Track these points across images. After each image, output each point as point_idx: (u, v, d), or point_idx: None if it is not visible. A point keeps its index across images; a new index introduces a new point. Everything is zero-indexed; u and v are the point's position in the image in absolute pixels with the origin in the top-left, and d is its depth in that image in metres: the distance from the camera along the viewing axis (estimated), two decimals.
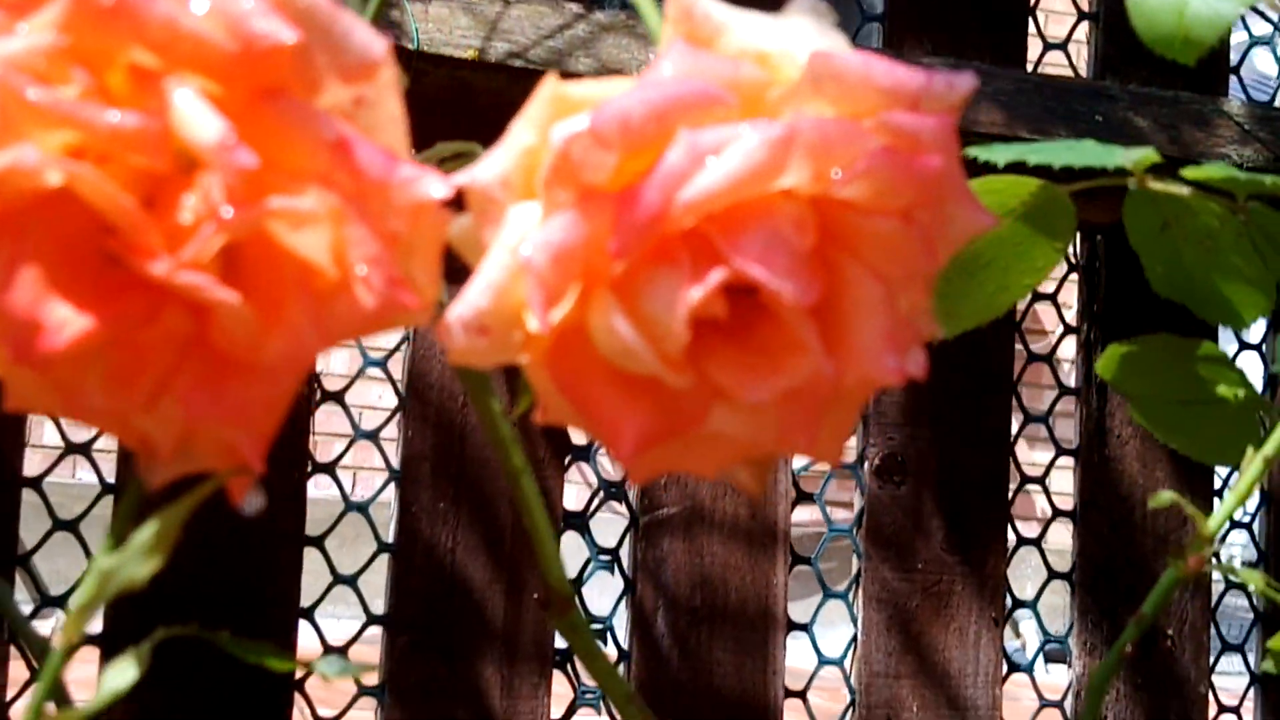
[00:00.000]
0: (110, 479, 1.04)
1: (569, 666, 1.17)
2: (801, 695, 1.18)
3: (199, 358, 0.29)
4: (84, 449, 1.05)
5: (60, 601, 1.08)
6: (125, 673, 0.32)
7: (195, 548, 1.09)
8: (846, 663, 1.21)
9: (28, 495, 1.02)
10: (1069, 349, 1.32)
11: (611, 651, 1.20)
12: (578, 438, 1.19)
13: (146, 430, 0.30)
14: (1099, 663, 1.22)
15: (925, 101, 0.31)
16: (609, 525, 1.29)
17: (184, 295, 0.28)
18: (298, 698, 1.08)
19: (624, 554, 1.20)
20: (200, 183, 0.27)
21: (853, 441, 1.28)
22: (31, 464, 1.03)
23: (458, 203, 0.32)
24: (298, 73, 0.28)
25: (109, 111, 0.27)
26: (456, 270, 0.34)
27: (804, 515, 1.43)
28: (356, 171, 0.29)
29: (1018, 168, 0.49)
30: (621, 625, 1.19)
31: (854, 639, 1.21)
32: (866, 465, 1.23)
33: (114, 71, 0.28)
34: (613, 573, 1.23)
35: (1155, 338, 0.54)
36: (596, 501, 1.20)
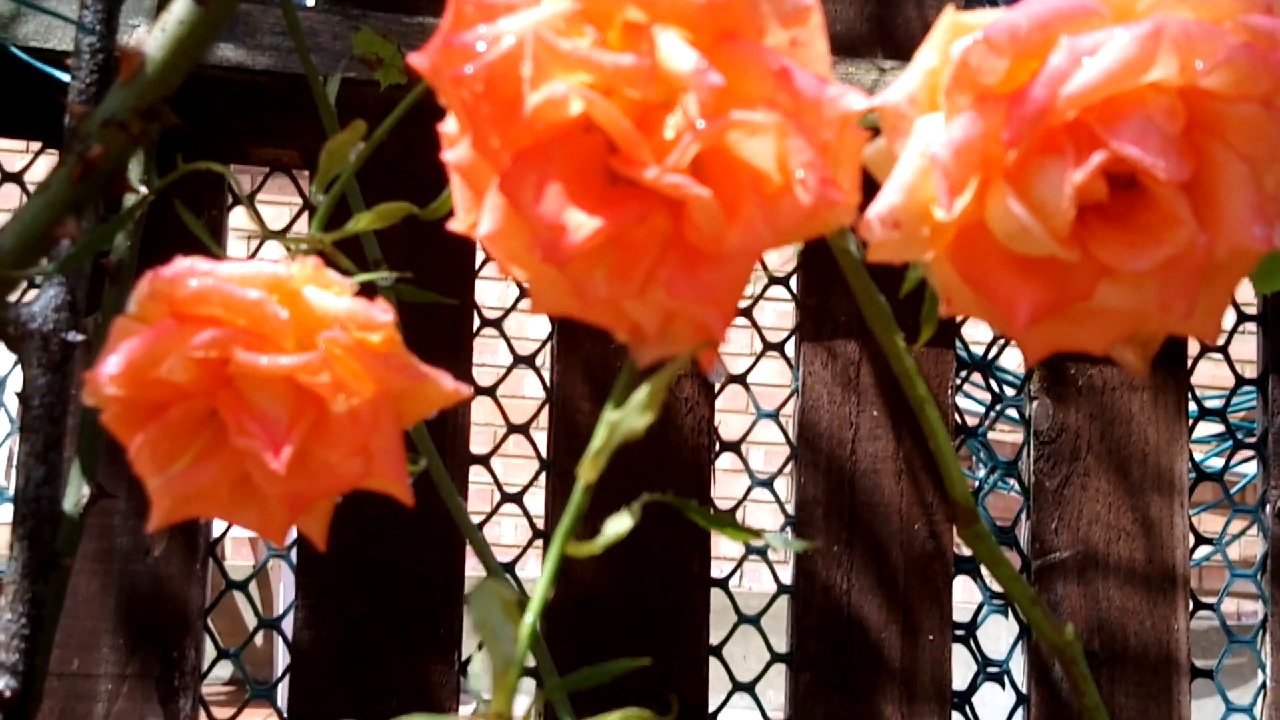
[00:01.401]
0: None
1: (967, 708, 1.19)
2: None
3: (676, 251, 0.37)
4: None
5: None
6: (623, 522, 0.40)
7: (619, 594, 1.19)
8: (1256, 709, 1.18)
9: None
10: None
11: (1009, 695, 1.21)
12: None
13: (636, 316, 0.38)
14: None
15: (1278, 7, 0.36)
16: None
17: (668, 195, 0.36)
18: None
19: None
20: (680, 104, 0.36)
21: (1255, 484, 1.26)
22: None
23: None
24: (748, 19, 0.36)
25: (613, 54, 0.35)
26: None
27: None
28: (795, 93, 0.36)
29: None
30: (1019, 668, 1.21)
31: (1263, 685, 1.18)
32: (1268, 508, 1.20)
33: (612, 28, 0.36)
34: (1006, 616, 1.25)
35: None
36: None
